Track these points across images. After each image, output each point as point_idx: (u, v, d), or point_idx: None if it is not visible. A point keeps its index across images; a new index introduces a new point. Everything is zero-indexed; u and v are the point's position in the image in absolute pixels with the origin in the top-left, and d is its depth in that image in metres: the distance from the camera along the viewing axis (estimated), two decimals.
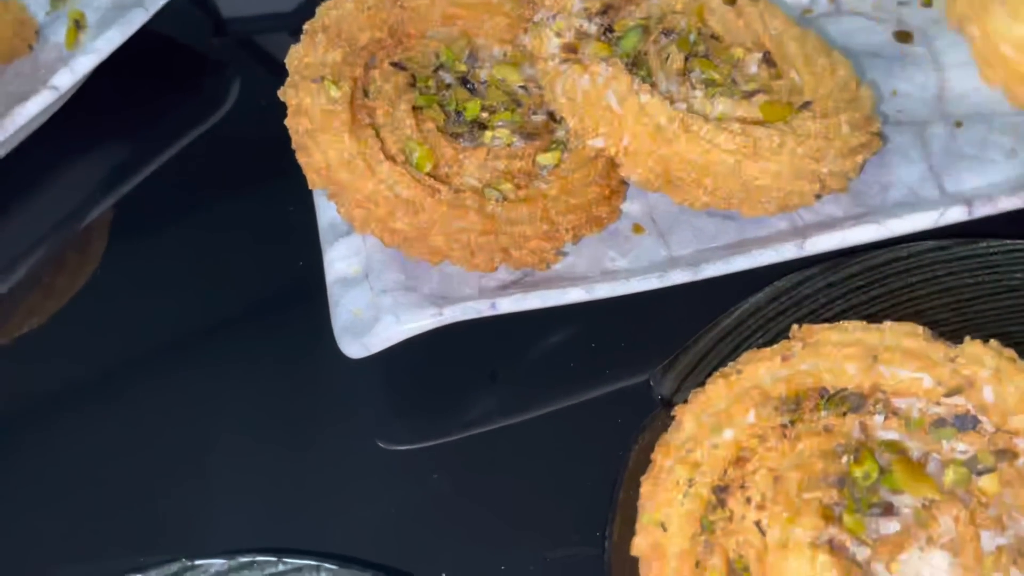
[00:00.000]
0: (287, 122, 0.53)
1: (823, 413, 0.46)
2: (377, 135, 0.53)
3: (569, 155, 0.56)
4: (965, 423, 0.45)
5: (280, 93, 0.54)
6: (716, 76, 0.58)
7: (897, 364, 0.46)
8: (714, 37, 0.61)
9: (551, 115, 0.58)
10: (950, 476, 0.43)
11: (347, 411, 0.56)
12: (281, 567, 0.45)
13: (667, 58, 0.57)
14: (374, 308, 0.51)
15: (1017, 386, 0.44)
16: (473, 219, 0.50)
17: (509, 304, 0.52)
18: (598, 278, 0.54)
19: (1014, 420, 0.44)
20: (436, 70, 0.59)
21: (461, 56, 0.60)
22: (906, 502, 0.42)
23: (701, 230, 0.58)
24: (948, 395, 0.45)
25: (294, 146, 0.53)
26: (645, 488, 0.45)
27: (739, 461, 0.45)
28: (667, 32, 0.59)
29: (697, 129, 0.52)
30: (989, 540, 0.41)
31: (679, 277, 0.54)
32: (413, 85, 0.57)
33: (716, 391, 0.47)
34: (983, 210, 0.56)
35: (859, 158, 0.55)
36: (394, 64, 0.57)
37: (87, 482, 0.54)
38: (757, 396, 0.46)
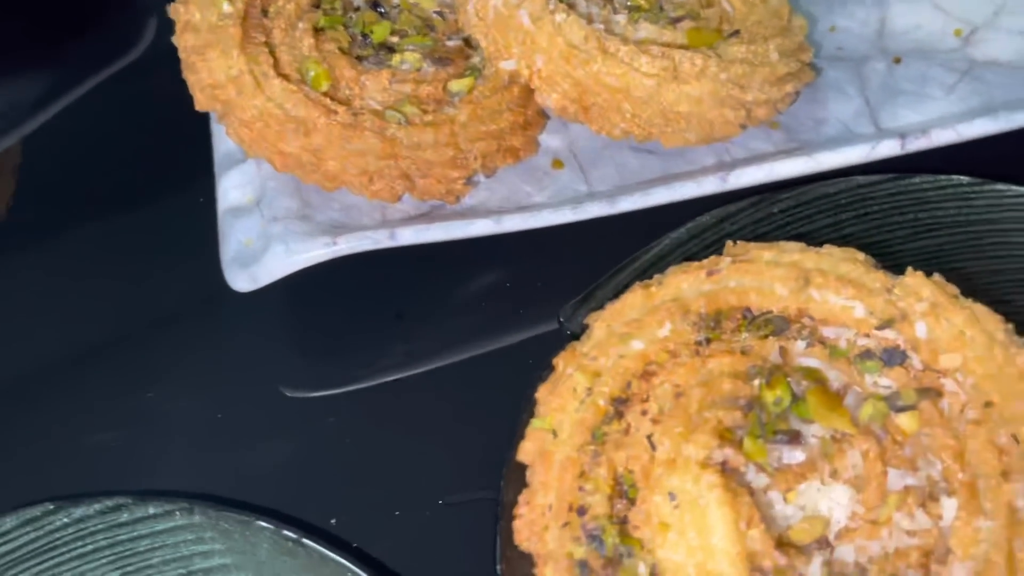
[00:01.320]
0: (174, 39, 0.49)
1: (744, 335, 0.43)
2: (272, 54, 0.49)
3: (483, 82, 0.53)
4: (893, 357, 0.42)
5: (170, 8, 0.50)
6: (643, 1, 0.54)
7: (830, 289, 0.43)
8: None
9: (467, 41, 0.55)
10: (867, 410, 0.40)
11: (245, 352, 0.53)
12: (152, 510, 0.42)
13: None
14: (264, 238, 0.48)
15: (952, 323, 0.42)
16: (371, 141, 0.47)
17: (410, 235, 0.48)
18: (509, 211, 0.50)
19: (944, 359, 0.41)
20: None
21: None
22: (815, 432, 0.39)
23: (624, 165, 0.55)
24: (880, 327, 0.42)
25: (182, 65, 0.49)
26: (541, 394, 0.42)
27: (646, 375, 0.42)
28: None
29: (614, 51, 0.49)
30: (898, 479, 0.38)
31: (595, 210, 0.51)
32: (318, 7, 0.54)
33: (633, 300, 0.44)
34: (916, 144, 0.53)
35: (788, 87, 0.52)
36: None
37: None
38: (675, 309, 0.43)
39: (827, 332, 0.43)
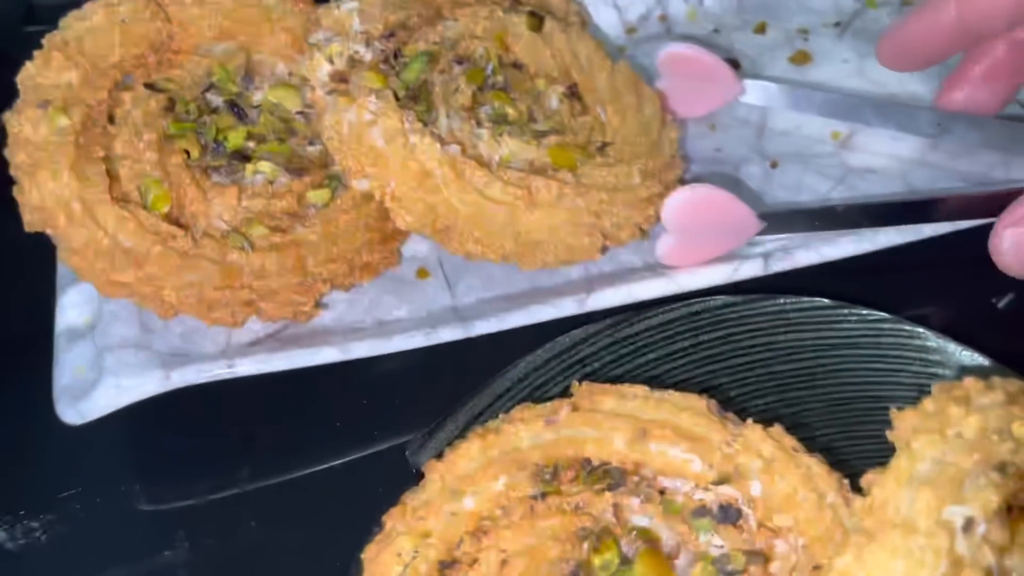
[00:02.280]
0: (5, 152, 0.47)
1: (580, 487, 0.43)
2: (109, 172, 0.47)
3: (342, 192, 0.51)
4: (728, 515, 0.42)
5: (4, 118, 0.48)
6: (511, 112, 0.53)
7: (668, 442, 0.43)
8: (517, 66, 0.56)
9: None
10: (696, 573, 0.40)
11: (96, 467, 0.51)
12: None
13: (455, 90, 0.52)
14: (96, 368, 0.46)
15: (788, 482, 0.41)
16: (208, 271, 0.45)
17: (251, 365, 0.47)
18: (355, 335, 0.49)
19: (777, 518, 0.41)
20: (206, 91, 0.54)
21: (236, 76, 0.54)
22: None
23: (491, 277, 0.54)
24: (716, 483, 0.42)
25: (14, 184, 0.47)
26: (369, 552, 0.41)
27: (477, 533, 0.41)
28: (460, 60, 0.54)
29: (469, 176, 0.48)
30: None
31: (447, 335, 0.49)
32: (172, 110, 0.51)
33: (469, 450, 0.43)
34: (780, 265, 0.53)
35: (650, 210, 0.52)
36: (148, 85, 0.51)
37: None
38: (510, 462, 0.42)
39: (665, 483, 0.43)
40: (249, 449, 0.51)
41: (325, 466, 0.50)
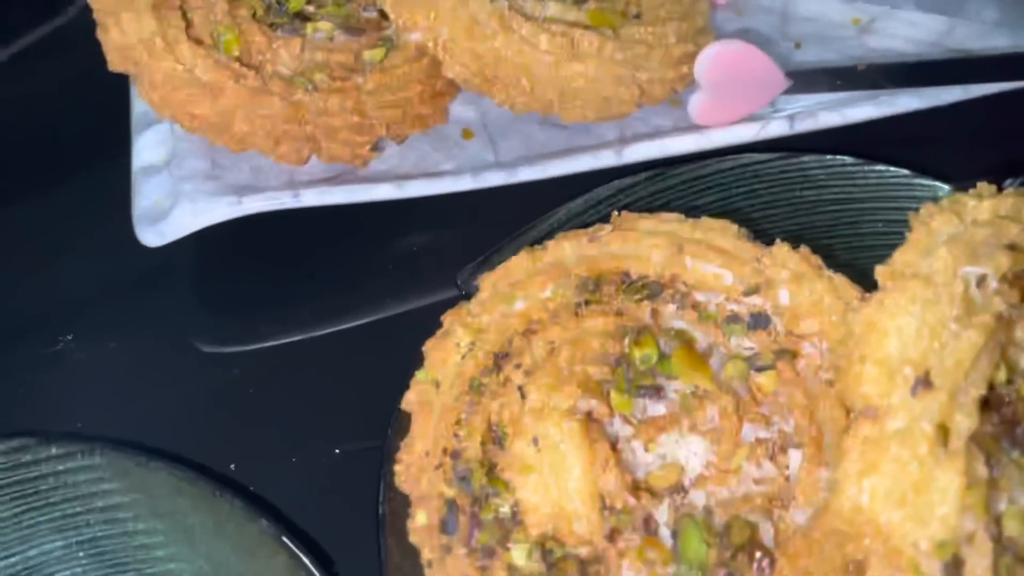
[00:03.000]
0: None
1: (621, 297, 0.46)
2: (185, 17, 0.51)
3: (395, 52, 0.55)
4: (758, 321, 0.45)
5: None
6: None
7: (702, 258, 0.46)
8: None
9: (382, 12, 0.57)
10: (729, 370, 0.43)
11: (158, 306, 0.55)
12: (55, 450, 0.44)
13: None
14: (173, 196, 0.50)
15: (813, 291, 0.44)
16: (277, 106, 0.49)
17: (313, 196, 0.50)
18: (412, 176, 0.53)
19: (804, 324, 0.44)
20: None
21: None
22: (676, 387, 0.42)
23: (531, 137, 0.58)
24: (747, 293, 0.45)
25: (97, 25, 0.51)
26: (427, 347, 0.45)
27: (527, 333, 0.44)
28: None
29: (516, 27, 0.51)
30: (751, 432, 0.41)
31: (493, 179, 0.53)
32: None
33: (519, 263, 0.46)
34: (804, 125, 0.56)
35: (684, 68, 0.55)
36: None
37: None
38: (557, 273, 0.46)
39: (698, 297, 0.46)
40: (310, 287, 0.55)
41: (380, 303, 0.54)
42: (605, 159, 0.54)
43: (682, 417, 0.41)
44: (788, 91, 0.56)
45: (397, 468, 0.42)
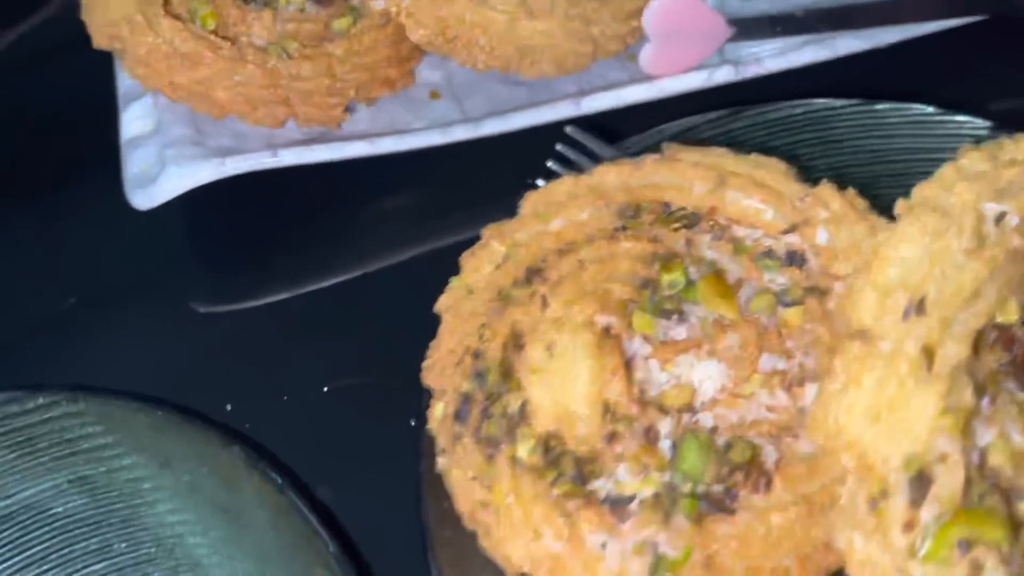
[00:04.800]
0: None
1: (657, 226, 0.45)
2: None
3: (362, 21, 0.59)
4: (793, 260, 0.44)
5: None
6: None
7: (744, 191, 0.44)
8: None
9: None
10: (757, 302, 0.42)
11: (153, 267, 0.59)
12: (41, 400, 0.47)
13: None
14: (160, 162, 0.54)
15: (852, 232, 0.43)
16: (253, 72, 0.53)
17: (292, 156, 0.54)
18: (385, 133, 0.57)
19: (839, 265, 0.43)
20: None
21: None
22: (700, 313, 0.42)
23: (494, 95, 0.61)
24: (786, 231, 0.44)
25: (81, 6, 0.54)
26: (464, 256, 0.46)
27: (562, 252, 0.44)
28: None
29: None
30: (769, 362, 0.41)
31: (460, 133, 0.57)
32: None
33: (560, 187, 0.47)
34: (750, 71, 0.59)
35: (634, 23, 0.59)
36: None
37: None
38: (597, 198, 0.45)
39: (737, 231, 0.45)
40: (296, 250, 0.59)
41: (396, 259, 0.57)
42: (564, 110, 0.58)
43: (703, 342, 0.41)
44: (734, 39, 0.59)
45: (425, 365, 0.44)
